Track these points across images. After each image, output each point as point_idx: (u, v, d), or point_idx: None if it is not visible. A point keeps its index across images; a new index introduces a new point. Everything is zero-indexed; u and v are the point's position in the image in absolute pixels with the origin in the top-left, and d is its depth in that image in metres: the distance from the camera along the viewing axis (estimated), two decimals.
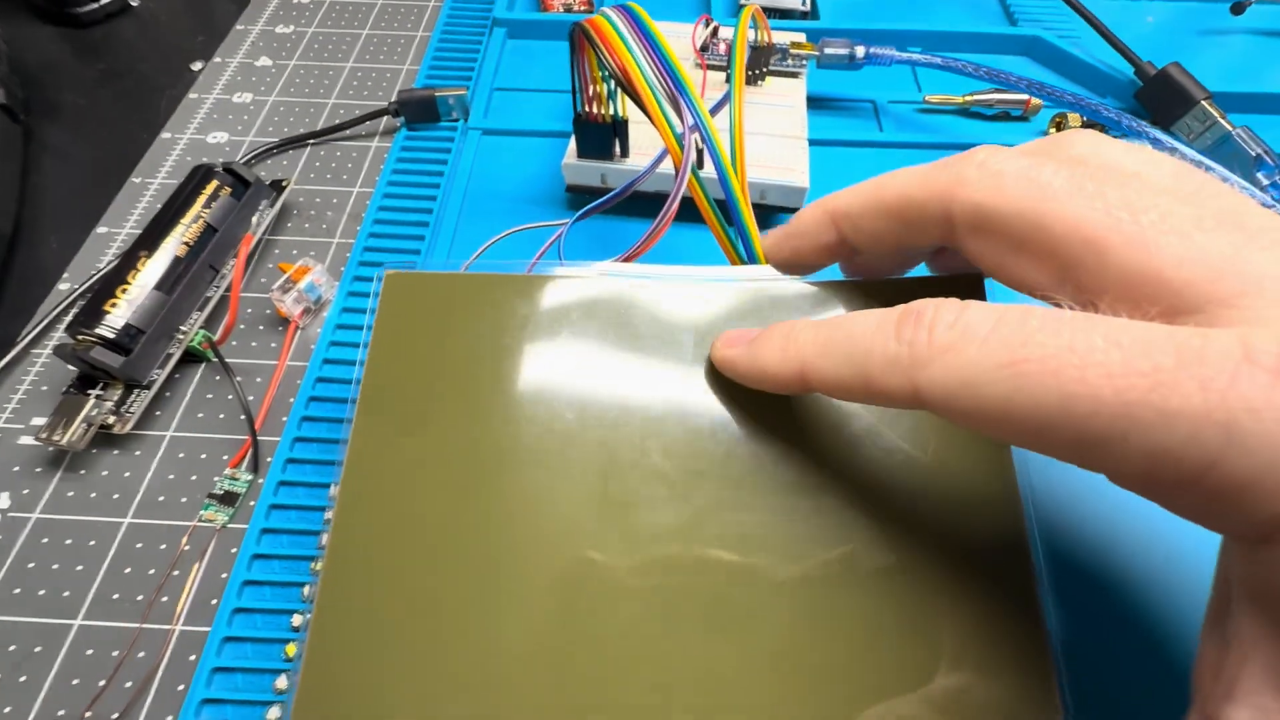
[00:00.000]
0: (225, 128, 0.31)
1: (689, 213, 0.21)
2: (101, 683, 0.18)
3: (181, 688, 0.18)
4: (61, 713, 0.18)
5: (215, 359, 0.23)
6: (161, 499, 0.21)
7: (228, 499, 0.21)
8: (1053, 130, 0.30)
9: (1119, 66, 0.31)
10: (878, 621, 0.14)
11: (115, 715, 0.18)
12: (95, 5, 0.36)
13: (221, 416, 0.23)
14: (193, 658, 0.18)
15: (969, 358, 0.11)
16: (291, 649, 0.18)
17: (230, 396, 0.23)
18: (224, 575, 0.20)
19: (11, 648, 0.19)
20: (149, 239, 0.23)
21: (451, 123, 0.30)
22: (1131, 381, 0.09)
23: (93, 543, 0.20)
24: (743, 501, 0.15)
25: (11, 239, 0.27)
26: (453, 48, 0.34)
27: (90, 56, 0.35)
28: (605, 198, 0.21)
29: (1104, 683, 0.17)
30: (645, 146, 0.26)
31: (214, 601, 0.19)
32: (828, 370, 0.13)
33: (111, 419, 0.21)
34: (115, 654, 0.18)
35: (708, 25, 0.29)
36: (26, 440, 0.22)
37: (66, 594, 0.19)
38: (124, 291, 0.22)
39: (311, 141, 0.31)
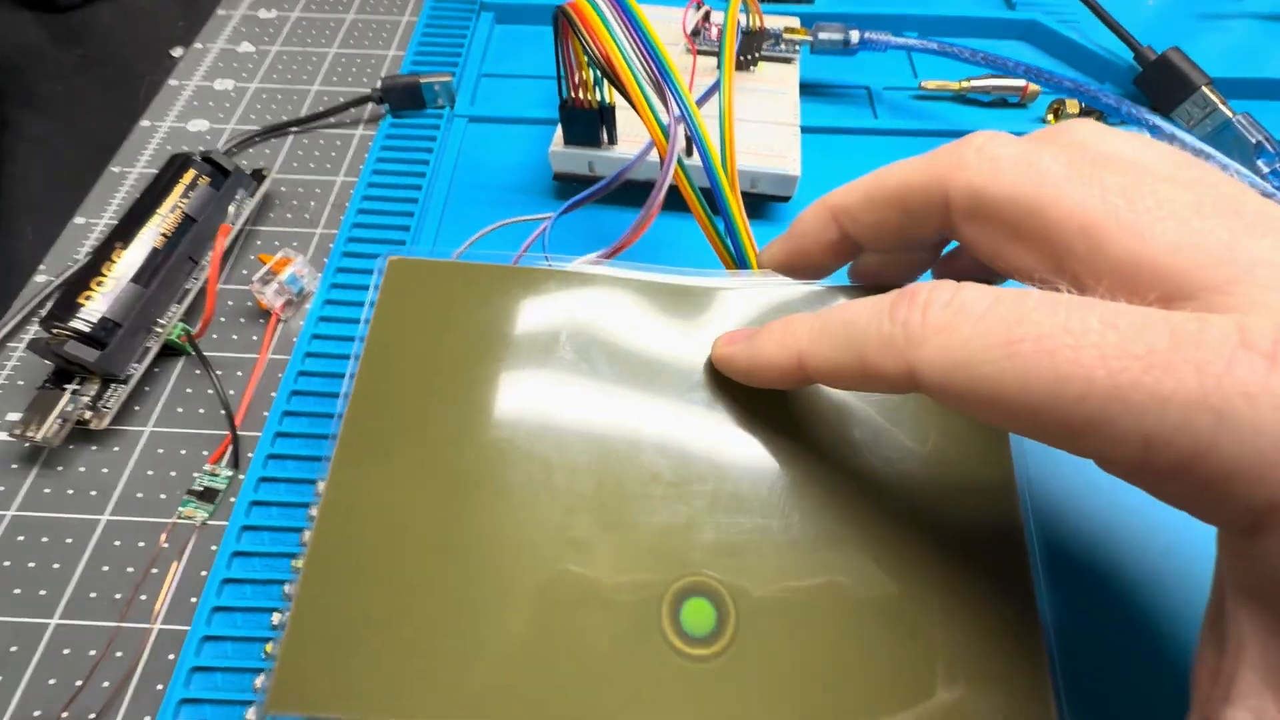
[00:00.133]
0: (206, 115, 0.31)
1: (677, 203, 0.20)
2: (78, 682, 0.18)
3: (160, 687, 0.18)
4: (38, 713, 0.17)
5: (194, 353, 0.23)
6: (140, 496, 0.21)
7: (207, 495, 0.21)
8: (1050, 117, 0.30)
9: (1118, 51, 0.30)
10: (873, 633, 0.13)
11: (92, 715, 0.17)
12: None
13: (201, 411, 0.22)
14: (171, 657, 0.18)
15: (963, 337, 0.11)
16: (272, 648, 0.18)
17: (210, 391, 0.23)
18: (203, 573, 0.19)
19: None
20: (125, 230, 0.23)
21: (437, 110, 0.30)
22: (1125, 364, 0.09)
23: (70, 540, 0.20)
24: (739, 504, 0.15)
25: None
26: (439, 32, 0.33)
27: (68, 42, 0.35)
28: (590, 190, 0.20)
29: (1100, 680, 0.17)
30: (634, 134, 0.25)
31: (193, 600, 0.19)
32: (824, 355, 0.13)
33: (88, 414, 0.21)
34: (92, 653, 0.18)
35: (699, 9, 0.29)
36: (1, 436, 0.22)
37: (43, 592, 0.19)
38: (99, 284, 0.22)
39: (294, 129, 0.30)
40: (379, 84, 0.29)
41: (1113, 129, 0.13)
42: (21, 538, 0.20)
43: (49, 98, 0.32)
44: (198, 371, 0.23)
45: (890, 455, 0.15)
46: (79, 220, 0.27)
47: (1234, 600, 0.10)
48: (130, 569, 0.19)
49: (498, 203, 0.27)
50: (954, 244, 0.17)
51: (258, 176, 0.27)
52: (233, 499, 0.20)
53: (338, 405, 0.16)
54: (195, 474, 0.21)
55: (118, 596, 0.19)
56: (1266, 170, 0.25)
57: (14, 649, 0.18)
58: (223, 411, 0.22)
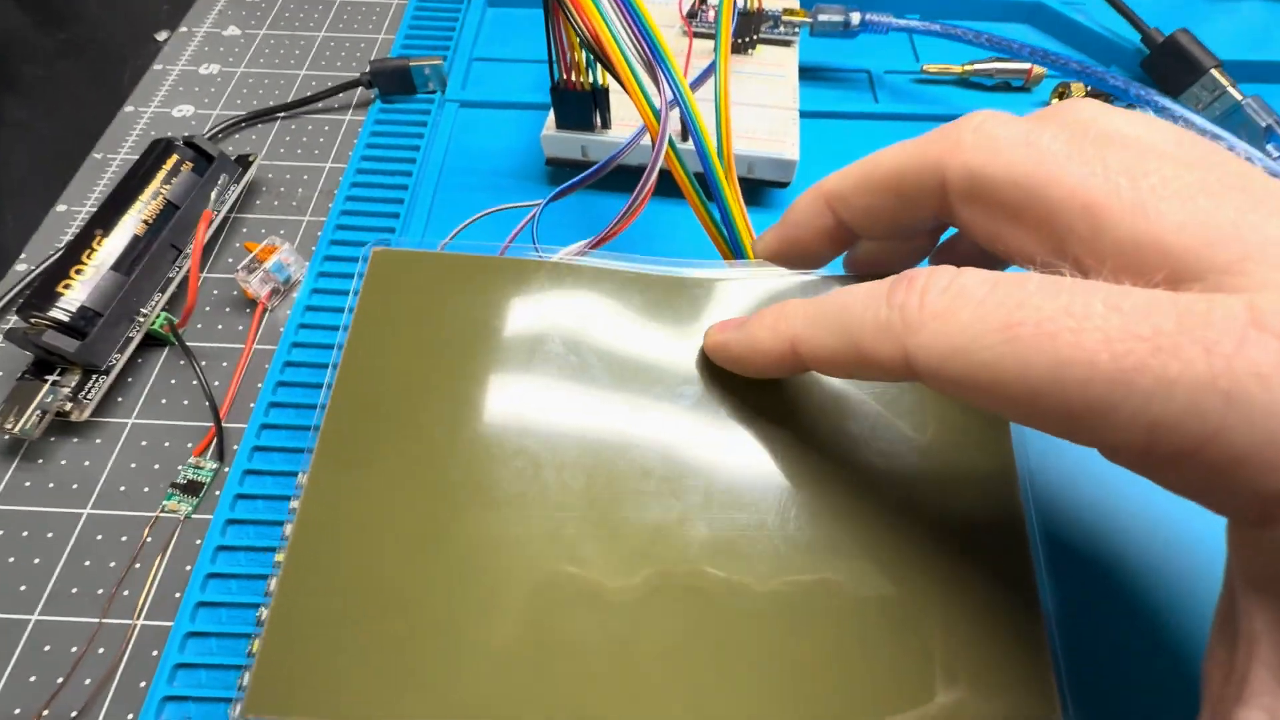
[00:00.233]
0: (191, 100, 0.30)
1: (674, 189, 0.20)
2: (60, 680, 0.17)
3: (143, 684, 0.17)
4: (17, 711, 0.17)
5: (177, 343, 0.22)
6: (122, 489, 0.20)
7: (192, 489, 0.20)
8: (1055, 100, 0.29)
9: (1124, 34, 0.30)
10: (873, 630, 0.13)
11: (74, 713, 0.17)
12: None
13: (185, 403, 0.22)
14: (155, 653, 0.18)
15: (962, 322, 0.10)
16: (256, 645, 0.17)
17: (195, 382, 0.22)
18: (188, 568, 0.19)
19: None
20: (105, 217, 0.22)
21: (428, 94, 0.29)
22: (1130, 346, 0.09)
23: (50, 534, 0.19)
24: (733, 499, 0.14)
25: None
26: (429, 15, 0.32)
27: (50, 26, 0.34)
28: (580, 176, 0.19)
29: (1106, 675, 0.17)
30: (628, 117, 0.24)
31: (177, 595, 0.18)
32: (818, 341, 0.13)
33: (69, 406, 0.21)
34: (74, 650, 0.18)
35: None
36: None
37: (23, 588, 0.19)
38: (79, 272, 0.21)
39: (281, 115, 0.29)
40: (368, 68, 0.29)
41: (1115, 108, 0.13)
42: (1, 532, 0.19)
43: (30, 82, 0.31)
44: (181, 362, 0.23)
45: (888, 446, 0.15)
46: (61, 208, 0.26)
47: (1245, 594, 0.10)
48: (113, 564, 0.19)
49: (489, 189, 0.26)
50: (952, 230, 0.16)
51: (243, 162, 0.26)
52: (217, 492, 0.20)
53: (320, 396, 0.16)
54: (179, 467, 0.21)
55: (100, 592, 0.19)
56: (1276, 154, 0.25)
57: None
58: (207, 403, 0.21)
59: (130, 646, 0.18)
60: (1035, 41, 0.31)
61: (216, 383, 0.22)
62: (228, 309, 0.24)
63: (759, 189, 0.26)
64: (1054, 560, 0.18)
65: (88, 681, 0.17)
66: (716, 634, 0.13)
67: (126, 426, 0.21)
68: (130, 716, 0.17)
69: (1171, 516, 0.18)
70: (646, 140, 0.22)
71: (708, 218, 0.19)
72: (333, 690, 0.13)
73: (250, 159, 0.26)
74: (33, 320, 0.20)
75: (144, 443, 0.21)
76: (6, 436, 0.20)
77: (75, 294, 0.21)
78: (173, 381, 0.22)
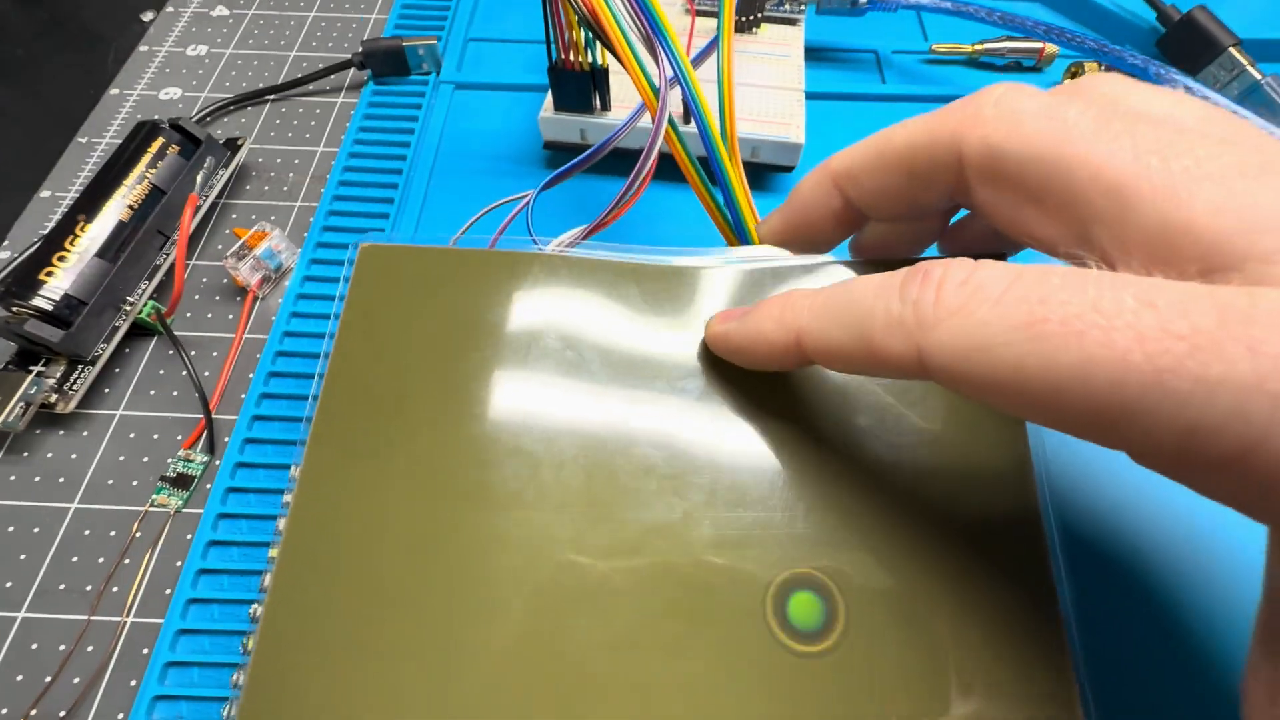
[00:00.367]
0: (178, 83, 0.29)
1: (676, 173, 0.19)
2: (47, 679, 0.17)
3: (133, 683, 0.17)
4: (4, 711, 0.17)
5: (165, 332, 0.22)
6: (111, 483, 0.20)
7: (182, 482, 0.20)
8: (1068, 81, 0.28)
9: (1139, 12, 0.29)
10: (883, 633, 0.13)
11: (62, 713, 0.16)
12: None
13: (175, 394, 0.21)
14: (145, 651, 0.17)
15: (980, 319, 0.10)
16: (250, 642, 0.17)
17: (184, 373, 0.21)
18: (178, 563, 0.18)
19: None
20: (89, 202, 0.22)
21: (422, 76, 0.28)
22: (1166, 345, 0.08)
23: (37, 530, 0.19)
24: (738, 497, 0.14)
25: None
26: None
27: (31, 5, 0.33)
28: (576, 160, 0.19)
29: (1129, 680, 0.16)
30: (628, 99, 0.24)
31: (167, 591, 0.18)
32: (825, 335, 0.12)
33: (54, 397, 0.20)
34: (62, 648, 0.17)
35: None
36: None
37: (9, 585, 0.18)
38: (62, 260, 0.20)
39: (271, 97, 0.28)
40: (360, 49, 0.28)
41: (1141, 83, 0.12)
42: None
43: (12, 64, 0.30)
44: (170, 352, 0.22)
45: (897, 440, 0.14)
46: (45, 193, 0.26)
47: None
48: (101, 559, 0.19)
49: (486, 173, 0.26)
50: (963, 212, 0.15)
51: (232, 146, 0.25)
52: (208, 485, 0.19)
53: (313, 387, 0.15)
54: (169, 459, 0.20)
55: (88, 588, 0.18)
56: None
57: None
58: (196, 394, 0.21)
59: (120, 644, 0.17)
60: (1047, 19, 0.30)
61: (206, 373, 0.22)
62: (217, 297, 0.23)
63: (763, 173, 0.25)
64: (1073, 559, 0.17)
65: (76, 680, 0.17)
66: (720, 633, 0.13)
67: (114, 418, 0.21)
68: (121, 716, 0.17)
69: (1199, 515, 0.17)
70: (647, 122, 0.21)
71: (712, 203, 0.18)
72: (331, 696, 0.12)
73: (239, 143, 0.26)
74: (14, 309, 0.20)
75: (132, 435, 0.20)
76: None
77: (58, 282, 0.20)
78: (161, 372, 0.22)
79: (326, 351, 0.16)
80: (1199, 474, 0.09)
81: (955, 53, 0.29)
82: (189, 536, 0.19)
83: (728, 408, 0.15)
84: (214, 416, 0.21)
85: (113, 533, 0.19)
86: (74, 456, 0.20)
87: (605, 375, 0.15)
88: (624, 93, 0.23)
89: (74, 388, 0.20)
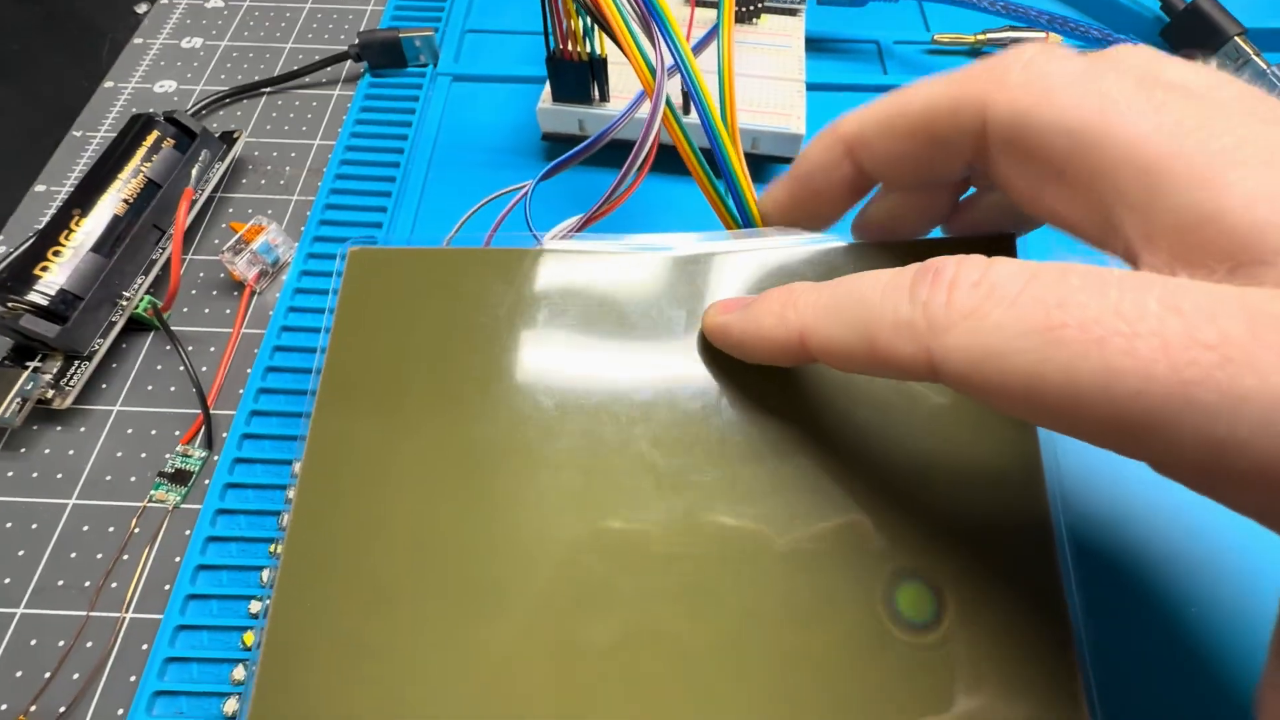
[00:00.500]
0: (173, 75, 0.29)
1: (676, 165, 0.19)
2: (46, 675, 0.17)
3: (133, 679, 0.17)
4: (3, 707, 0.16)
5: (162, 327, 0.22)
6: (109, 478, 0.20)
7: (180, 478, 0.19)
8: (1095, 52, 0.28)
9: (1144, 0, 0.28)
10: (889, 636, 0.12)
11: (62, 709, 0.16)
12: None
13: (172, 389, 0.21)
14: (144, 647, 0.17)
15: (995, 322, 0.09)
16: (249, 637, 0.17)
17: (181, 368, 0.21)
18: (177, 559, 0.18)
19: None
20: (83, 196, 0.21)
21: (419, 67, 0.28)
22: (1193, 356, 0.08)
23: (35, 526, 0.19)
24: (738, 494, 0.13)
25: None
26: None
27: None
28: (573, 151, 0.19)
29: (1137, 686, 0.16)
30: (629, 88, 0.23)
31: (166, 587, 0.18)
32: (830, 334, 0.11)
33: (50, 393, 0.20)
34: (61, 644, 0.17)
35: None
36: None
37: (7, 581, 0.18)
38: (57, 254, 0.20)
39: (267, 90, 0.28)
40: (357, 40, 0.27)
41: (1173, 56, 0.11)
42: None
43: (6, 58, 0.30)
44: (167, 347, 0.22)
45: (904, 437, 0.14)
46: (39, 188, 0.25)
47: None
48: (100, 555, 0.18)
49: (484, 165, 0.26)
50: (972, 190, 0.15)
51: (228, 139, 0.25)
52: (207, 481, 0.19)
53: (311, 382, 0.15)
54: (167, 455, 0.20)
55: (87, 584, 0.18)
56: None
57: None
58: (194, 389, 0.21)
59: (119, 640, 0.17)
60: (1051, 9, 0.30)
61: (204, 368, 0.21)
62: (214, 292, 0.23)
63: (763, 165, 0.25)
64: (1082, 561, 0.17)
65: (76, 676, 0.17)
66: (727, 633, 0.13)
67: (111, 414, 0.21)
68: (120, 711, 0.16)
69: (1211, 520, 0.17)
70: (645, 112, 0.21)
71: (714, 194, 0.18)
72: (340, 695, 0.12)
73: (235, 136, 0.25)
74: (10, 304, 0.20)
75: (130, 431, 0.20)
76: None
77: (54, 277, 0.20)
78: (158, 367, 0.22)
79: (323, 346, 0.15)
80: (1224, 487, 0.08)
81: (958, 43, 0.28)
82: (187, 532, 0.19)
83: (727, 403, 0.14)
84: (212, 412, 0.20)
85: (111, 529, 0.19)
86: (71, 452, 0.20)
87: (601, 372, 0.15)
88: (623, 83, 0.23)
89: (71, 383, 0.20)
